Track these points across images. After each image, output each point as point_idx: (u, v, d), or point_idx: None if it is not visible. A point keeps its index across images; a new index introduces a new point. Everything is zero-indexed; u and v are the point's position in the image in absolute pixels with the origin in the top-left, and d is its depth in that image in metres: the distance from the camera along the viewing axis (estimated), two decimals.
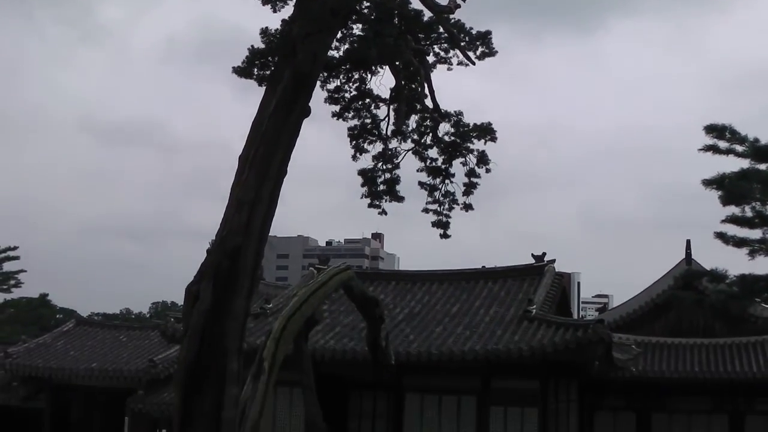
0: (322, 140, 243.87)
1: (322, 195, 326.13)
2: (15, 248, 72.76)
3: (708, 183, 24.27)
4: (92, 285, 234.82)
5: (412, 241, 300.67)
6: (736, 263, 26.36)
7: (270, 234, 12.16)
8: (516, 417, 29.16)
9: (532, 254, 35.46)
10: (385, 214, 15.95)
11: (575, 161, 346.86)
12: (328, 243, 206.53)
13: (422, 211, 16.14)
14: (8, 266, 72.91)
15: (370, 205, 15.86)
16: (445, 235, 16.48)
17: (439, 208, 16.21)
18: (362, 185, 15.66)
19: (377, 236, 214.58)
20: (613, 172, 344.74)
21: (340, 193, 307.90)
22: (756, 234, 24.66)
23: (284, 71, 12.02)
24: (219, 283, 10.84)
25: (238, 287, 10.90)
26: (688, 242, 43.99)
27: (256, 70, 13.62)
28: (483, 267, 37.55)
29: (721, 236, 25.23)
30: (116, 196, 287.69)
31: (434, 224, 16.33)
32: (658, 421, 40.44)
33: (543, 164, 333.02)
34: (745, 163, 24.13)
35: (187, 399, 10.74)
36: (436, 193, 16.09)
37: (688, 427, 39.88)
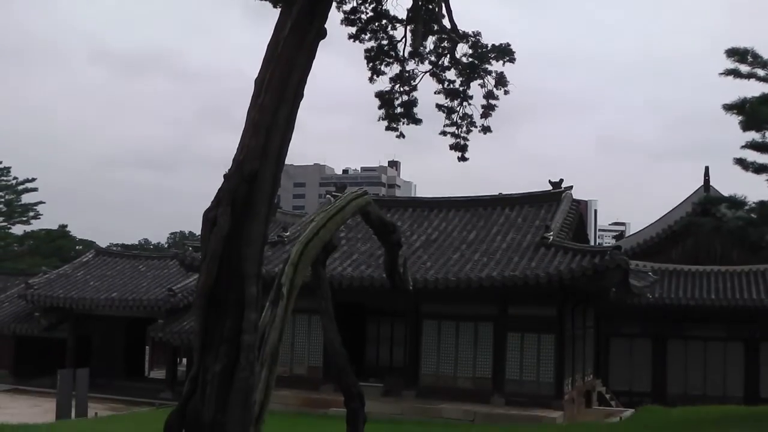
0: (337, 68, 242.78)
1: (338, 123, 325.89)
2: (33, 180, 73.34)
3: (729, 108, 23.97)
4: (111, 216, 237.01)
5: (428, 169, 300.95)
6: (755, 190, 26.17)
7: (286, 163, 12.04)
8: (533, 343, 29.37)
9: (550, 181, 35.33)
10: (403, 137, 15.75)
11: (592, 87, 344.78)
12: (345, 171, 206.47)
13: (440, 133, 15.93)
14: (27, 198, 73.61)
15: (388, 128, 15.66)
16: (462, 158, 16.29)
17: (456, 131, 15.95)
18: (379, 107, 15.42)
19: (394, 164, 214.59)
20: (630, 98, 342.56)
21: (356, 121, 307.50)
22: None
23: None
24: (236, 208, 10.73)
25: (255, 212, 10.80)
26: (707, 169, 43.83)
27: None
28: (500, 194, 37.40)
29: (740, 162, 24.99)
30: (131, 126, 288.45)
31: (452, 147, 16.13)
32: (673, 348, 40.80)
33: (559, 90, 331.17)
34: (767, 88, 23.78)
35: (206, 324, 10.74)
36: (454, 116, 15.83)
37: (704, 353, 40.23)
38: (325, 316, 14.02)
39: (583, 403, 33.54)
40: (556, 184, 35.10)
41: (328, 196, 36.97)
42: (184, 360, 42.15)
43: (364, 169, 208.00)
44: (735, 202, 26.09)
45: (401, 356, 33.75)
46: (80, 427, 24.08)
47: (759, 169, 24.69)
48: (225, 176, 11.01)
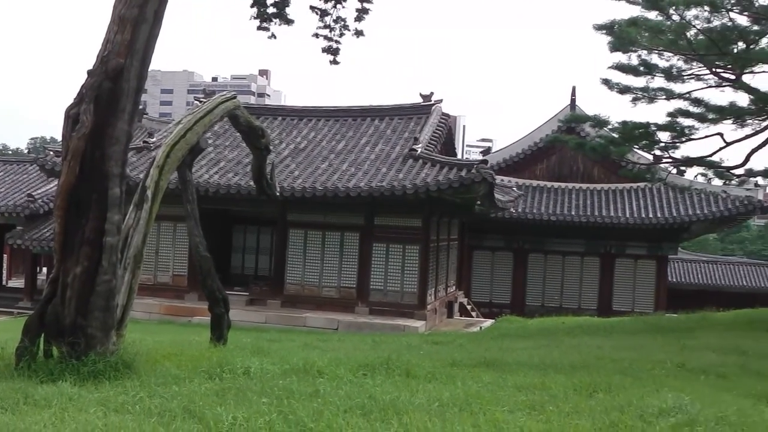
0: None
1: (208, 28, 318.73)
2: None
3: (599, 28, 24.33)
4: None
5: (298, 79, 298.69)
6: (617, 112, 26.83)
7: (154, 68, 11.68)
8: (398, 254, 29.78)
9: (420, 93, 35.43)
10: (275, 38, 15.45)
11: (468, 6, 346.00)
12: (214, 79, 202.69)
13: (312, 36, 15.70)
14: None
15: (259, 28, 15.31)
16: (335, 62, 16.10)
17: (329, 34, 15.75)
18: (251, 6, 15.06)
19: (264, 73, 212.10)
20: (501, 17, 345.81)
21: (227, 27, 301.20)
22: (640, 82, 25.07)
23: None
24: (100, 105, 10.32)
25: (119, 110, 10.40)
26: (574, 89, 44.72)
27: None
28: (370, 105, 37.33)
29: (606, 82, 25.52)
30: None
31: (324, 50, 15.91)
32: (534, 261, 42.12)
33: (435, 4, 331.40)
34: (636, 11, 24.21)
35: (67, 226, 10.39)
36: (327, 18, 15.59)
37: (562, 267, 41.60)
38: (191, 219, 13.82)
39: (446, 313, 34.35)
40: (427, 97, 35.22)
41: (195, 101, 36.24)
42: (44, 269, 41.12)
43: (234, 77, 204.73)
44: (599, 121, 26.73)
45: (267, 265, 33.82)
46: None
47: (623, 90, 25.26)
48: (88, 72, 10.56)
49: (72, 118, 10.40)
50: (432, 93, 35.14)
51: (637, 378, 11.34)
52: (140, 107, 10.89)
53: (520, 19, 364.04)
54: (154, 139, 32.54)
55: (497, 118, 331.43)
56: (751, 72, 24.18)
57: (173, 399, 8.13)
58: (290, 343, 17.66)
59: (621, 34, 23.76)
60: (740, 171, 26.27)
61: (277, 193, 15.27)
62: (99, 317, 10.11)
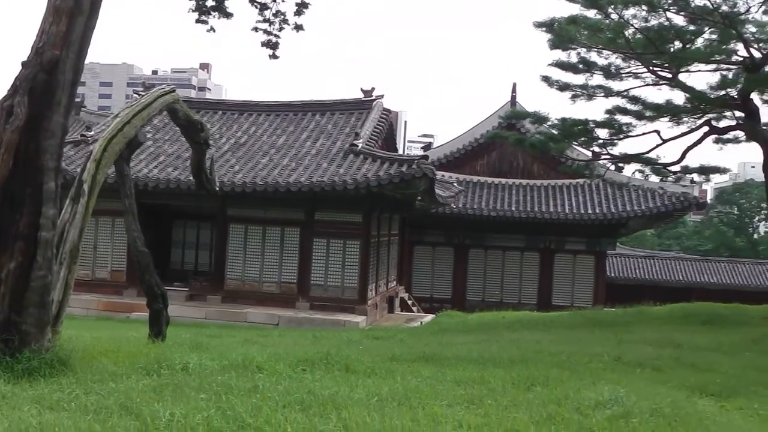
0: None
1: (148, 20, 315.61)
2: None
3: (539, 25, 24.52)
4: None
5: (240, 73, 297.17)
6: (557, 109, 27.04)
7: (93, 61, 11.57)
8: (338, 249, 29.79)
9: (361, 89, 35.41)
10: (213, 31, 15.34)
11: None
12: (154, 72, 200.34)
13: (252, 29, 15.61)
14: None
15: (198, 21, 15.19)
16: (274, 56, 16.05)
17: (269, 28, 15.67)
18: None
19: (205, 66, 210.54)
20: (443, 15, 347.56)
21: (168, 19, 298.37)
22: (579, 79, 25.31)
23: None
24: (34, 97, 10.14)
25: (55, 102, 10.22)
26: (514, 85, 45.09)
27: None
28: (311, 100, 37.28)
29: (546, 80, 25.73)
30: None
31: (264, 44, 15.83)
32: (474, 257, 42.38)
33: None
34: (575, 9, 24.42)
35: (1, 220, 10.21)
36: (267, 12, 15.51)
37: (502, 262, 41.93)
38: (129, 214, 13.64)
39: (386, 308, 34.41)
40: (368, 93, 35.24)
41: (134, 95, 35.85)
42: None
43: (174, 70, 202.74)
44: (539, 118, 26.98)
45: (207, 260, 33.58)
46: None
47: (563, 87, 25.50)
48: (23, 63, 10.38)
49: (6, 110, 10.22)
50: (373, 88, 35.20)
51: (575, 371, 11.48)
52: (78, 100, 10.71)
53: (462, 16, 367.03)
54: (92, 133, 32.10)
55: (439, 114, 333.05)
56: (687, 71, 24.57)
57: (110, 396, 8.03)
58: (230, 339, 17.58)
59: (561, 32, 23.97)
60: (676, 168, 26.70)
61: (217, 188, 15.17)
62: (34, 313, 9.95)
